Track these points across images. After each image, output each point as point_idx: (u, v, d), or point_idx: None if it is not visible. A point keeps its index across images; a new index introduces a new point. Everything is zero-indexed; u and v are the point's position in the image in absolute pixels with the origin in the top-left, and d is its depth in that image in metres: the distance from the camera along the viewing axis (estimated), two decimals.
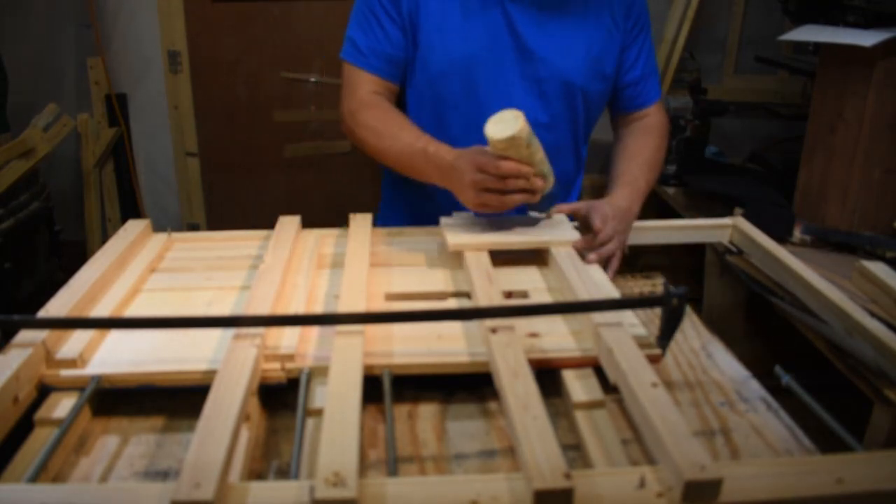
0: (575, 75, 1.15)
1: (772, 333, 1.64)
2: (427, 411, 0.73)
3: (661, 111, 1.27)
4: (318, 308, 0.86)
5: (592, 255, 0.97)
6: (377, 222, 1.35)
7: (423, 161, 1.03)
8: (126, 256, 0.96)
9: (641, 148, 1.21)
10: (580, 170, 1.34)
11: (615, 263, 1.00)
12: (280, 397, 0.73)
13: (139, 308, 0.88)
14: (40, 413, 0.68)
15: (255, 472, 0.64)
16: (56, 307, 0.79)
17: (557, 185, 1.02)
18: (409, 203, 1.30)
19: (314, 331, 0.79)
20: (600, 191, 2.78)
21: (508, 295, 0.88)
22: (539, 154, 0.94)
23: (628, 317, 0.79)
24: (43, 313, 0.78)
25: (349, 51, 1.16)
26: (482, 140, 1.16)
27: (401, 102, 1.23)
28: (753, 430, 0.69)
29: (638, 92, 1.23)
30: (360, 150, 1.17)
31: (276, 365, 0.72)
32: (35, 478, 0.58)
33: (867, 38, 1.37)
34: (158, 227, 1.09)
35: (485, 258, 0.92)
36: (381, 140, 1.09)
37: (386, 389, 0.69)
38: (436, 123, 1.19)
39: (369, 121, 1.11)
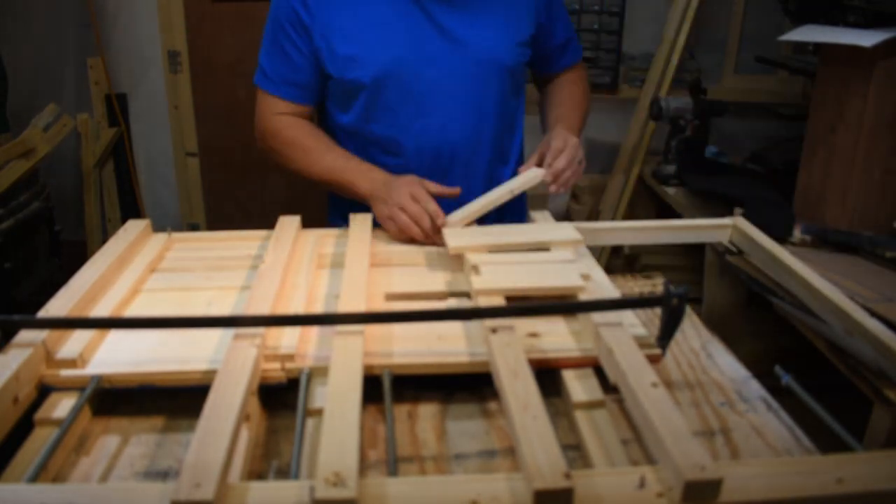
0: (503, 56, 1.19)
1: (772, 333, 1.64)
2: (427, 411, 0.73)
3: (583, 67, 1.38)
4: (318, 308, 0.86)
5: (553, 187, 1.09)
6: (329, 220, 1.35)
7: (356, 175, 1.13)
8: (126, 256, 0.96)
9: (570, 95, 1.31)
10: (517, 142, 1.35)
11: (571, 180, 1.10)
12: (280, 397, 0.73)
13: (139, 308, 0.88)
14: (40, 413, 0.68)
15: (255, 472, 0.64)
16: (56, 307, 0.79)
17: None
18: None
19: (314, 331, 0.79)
20: (600, 191, 2.77)
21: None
22: None
23: (628, 317, 0.79)
24: (43, 313, 0.78)
25: (259, 77, 1.22)
26: (424, 137, 1.19)
27: (322, 113, 1.27)
28: (753, 430, 0.69)
29: (561, 55, 1.33)
30: (277, 166, 1.24)
31: (276, 365, 0.72)
32: (35, 478, 0.58)
33: (867, 38, 1.36)
34: (158, 227, 1.09)
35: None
36: (308, 155, 1.18)
37: (386, 389, 0.69)
38: (371, 128, 1.19)
39: (296, 137, 1.19)
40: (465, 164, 1.23)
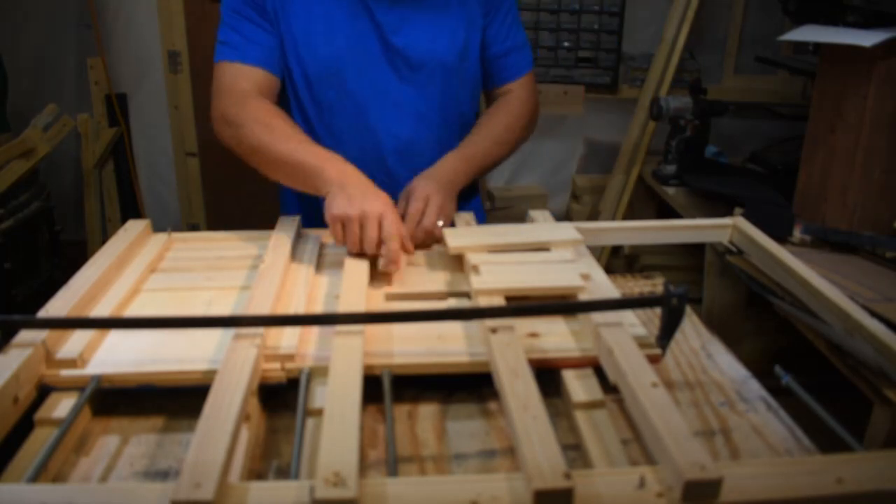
0: (447, 59, 1.16)
1: (772, 333, 1.64)
2: (427, 411, 0.73)
3: (527, 86, 1.27)
4: (318, 308, 0.86)
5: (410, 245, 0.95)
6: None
7: (326, 161, 0.98)
8: (126, 256, 0.96)
9: (491, 122, 1.22)
10: None
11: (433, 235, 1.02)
12: (280, 397, 0.73)
13: (139, 308, 0.88)
14: (40, 413, 0.68)
15: (255, 472, 0.64)
16: (56, 307, 0.79)
17: None
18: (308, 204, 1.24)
19: (314, 331, 0.79)
20: (600, 191, 2.78)
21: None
22: None
23: (628, 317, 0.79)
24: (43, 313, 0.78)
25: (221, 51, 1.11)
26: (366, 136, 1.17)
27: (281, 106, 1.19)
28: (753, 430, 0.69)
29: (501, 66, 1.25)
30: (230, 150, 1.09)
31: (276, 365, 0.72)
32: (35, 478, 0.58)
33: (867, 38, 1.37)
34: (158, 227, 1.09)
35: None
36: (273, 134, 1.02)
37: (386, 389, 0.69)
38: (320, 125, 1.18)
39: (259, 113, 1.04)
40: (409, 169, 1.16)
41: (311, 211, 1.19)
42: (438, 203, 1.03)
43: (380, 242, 0.90)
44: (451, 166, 1.12)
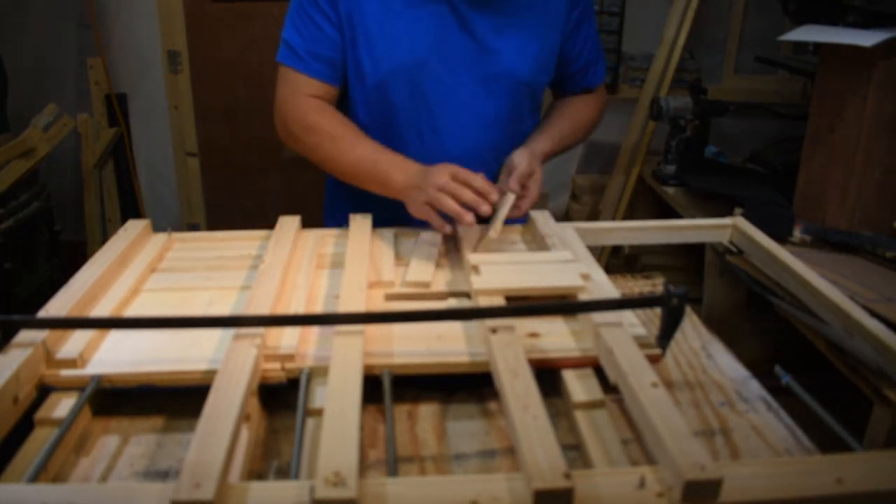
0: (526, 72, 1.15)
1: (772, 333, 1.64)
2: (427, 411, 0.73)
3: (602, 92, 1.34)
4: (318, 308, 0.86)
5: (514, 185, 1.02)
6: (325, 221, 1.33)
7: (391, 165, 1.05)
8: (126, 256, 0.96)
9: (576, 112, 1.27)
10: None
11: (528, 203, 1.05)
12: (280, 397, 0.73)
13: (139, 308, 0.88)
14: (40, 413, 0.68)
15: (255, 472, 0.64)
16: (56, 307, 0.79)
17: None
18: (355, 196, 1.23)
19: (314, 331, 0.79)
20: (600, 191, 2.77)
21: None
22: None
23: (628, 317, 0.79)
24: (43, 313, 0.78)
25: (285, 54, 1.12)
26: (431, 140, 1.16)
27: (342, 105, 1.19)
28: (753, 430, 0.69)
29: (583, 78, 1.28)
30: (297, 153, 1.15)
31: (276, 365, 0.72)
32: (35, 478, 0.58)
33: (867, 38, 1.37)
34: (158, 227, 1.09)
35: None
36: (337, 143, 1.08)
37: (386, 389, 0.69)
38: (383, 125, 1.16)
39: (324, 125, 1.10)
40: None
41: (362, 197, 1.18)
42: (541, 176, 1.08)
43: (478, 194, 0.94)
44: (544, 146, 1.15)
